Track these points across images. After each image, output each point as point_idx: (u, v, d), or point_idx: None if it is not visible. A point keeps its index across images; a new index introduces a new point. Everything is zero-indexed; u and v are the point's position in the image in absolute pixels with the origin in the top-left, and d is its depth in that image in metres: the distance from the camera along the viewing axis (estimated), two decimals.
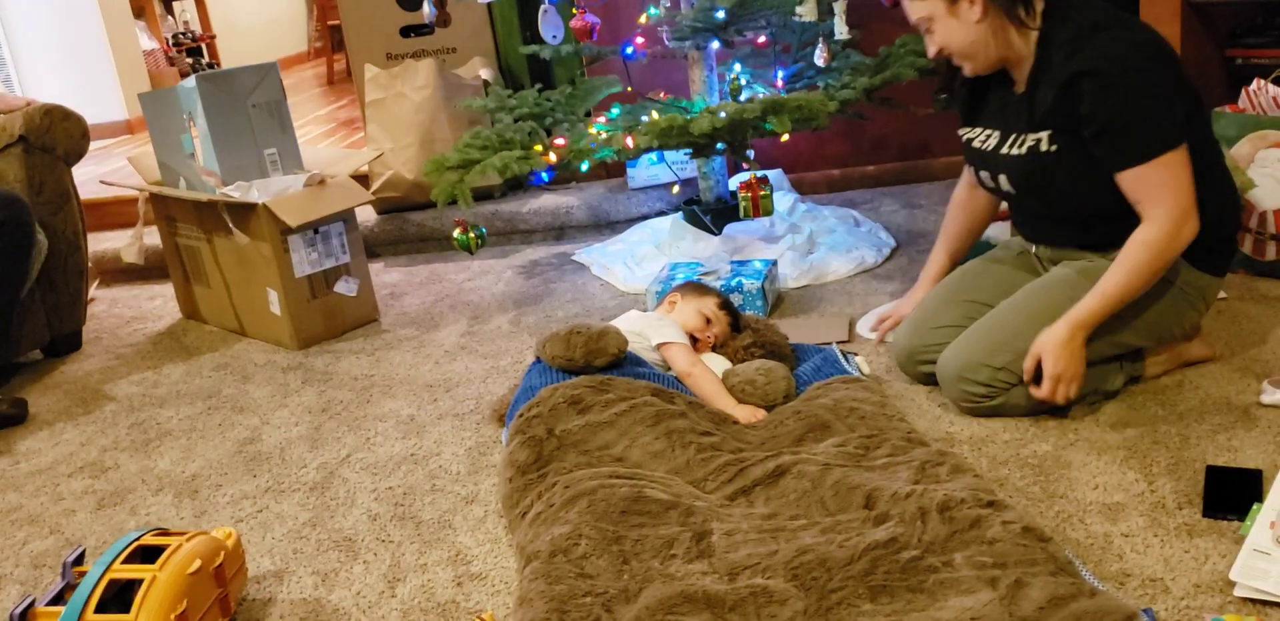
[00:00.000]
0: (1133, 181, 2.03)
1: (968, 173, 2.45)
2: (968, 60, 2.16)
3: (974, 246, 2.95)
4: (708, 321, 2.43)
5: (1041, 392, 2.07)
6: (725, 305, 2.47)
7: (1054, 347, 2.05)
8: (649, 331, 2.35)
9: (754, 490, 1.82)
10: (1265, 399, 2.11)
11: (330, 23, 6.84)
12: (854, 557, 1.56)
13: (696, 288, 2.54)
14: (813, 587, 1.52)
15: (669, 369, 2.31)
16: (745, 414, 2.16)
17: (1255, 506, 1.70)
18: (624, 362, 2.20)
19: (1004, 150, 2.20)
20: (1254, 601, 1.55)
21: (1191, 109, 2.07)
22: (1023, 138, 2.16)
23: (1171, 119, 2.01)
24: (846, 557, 1.56)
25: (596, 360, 2.16)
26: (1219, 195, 2.18)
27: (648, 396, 2.06)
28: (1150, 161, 2.00)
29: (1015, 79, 2.19)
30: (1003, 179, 2.22)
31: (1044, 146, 2.12)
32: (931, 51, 2.19)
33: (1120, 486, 1.89)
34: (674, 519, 1.71)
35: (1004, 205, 2.59)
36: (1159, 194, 2.01)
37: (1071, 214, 2.19)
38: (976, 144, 2.28)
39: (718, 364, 2.35)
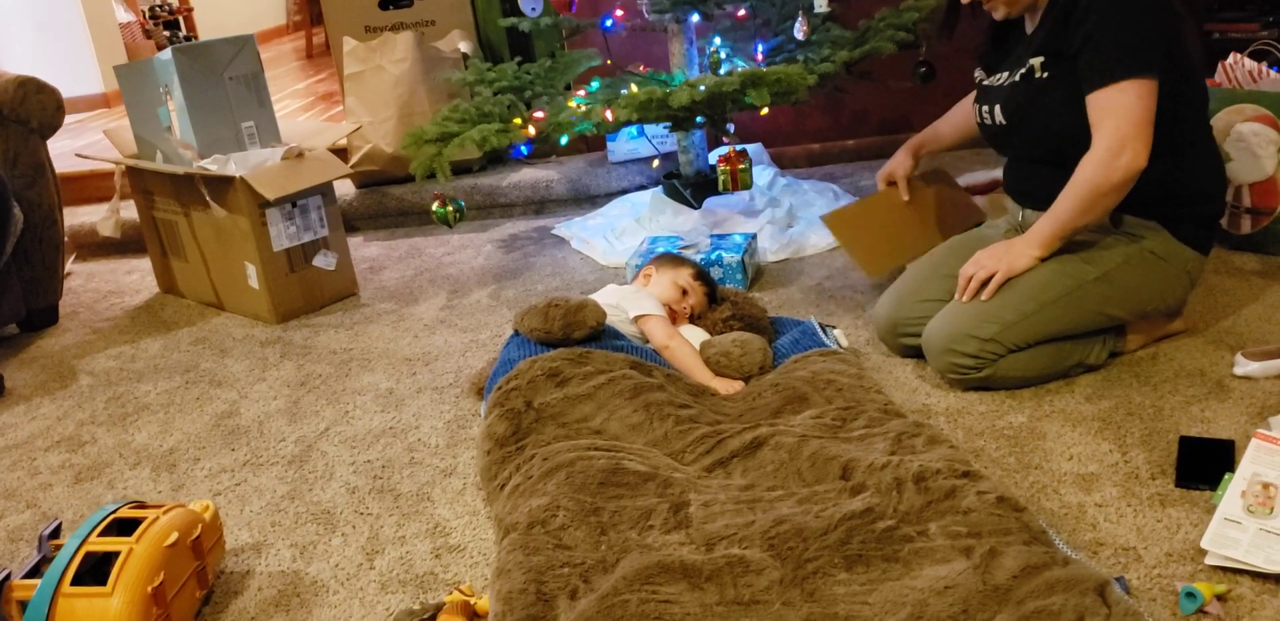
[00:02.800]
0: (1092, 105, 2.03)
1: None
2: (1005, 4, 2.17)
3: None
4: (684, 292, 2.43)
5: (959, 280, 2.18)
6: (700, 276, 2.48)
7: (993, 246, 2.14)
8: (626, 304, 2.35)
9: (731, 461, 1.83)
10: (1238, 370, 2.12)
11: None
12: (830, 527, 1.57)
13: (672, 259, 2.54)
14: (789, 557, 1.53)
15: (647, 341, 2.31)
16: (722, 385, 2.17)
17: (1226, 476, 1.71)
18: (602, 336, 2.20)
19: (1003, 82, 2.22)
20: (1225, 569, 1.57)
21: (1182, 64, 2.08)
22: (1020, 67, 2.17)
23: (1148, 48, 2.00)
24: (822, 527, 1.57)
25: (575, 332, 2.16)
26: (1207, 170, 2.19)
27: (626, 369, 2.06)
28: (1113, 84, 2.00)
29: (1031, 19, 2.20)
30: (997, 109, 2.23)
31: (1037, 73, 2.13)
32: None
33: (1094, 457, 1.90)
34: (652, 490, 1.72)
35: (989, 174, 2.61)
36: (1107, 118, 2.01)
37: (1055, 150, 2.15)
38: (987, 83, 2.30)
39: (695, 336, 2.35)
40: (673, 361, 2.24)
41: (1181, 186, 2.13)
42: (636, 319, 2.32)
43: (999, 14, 2.20)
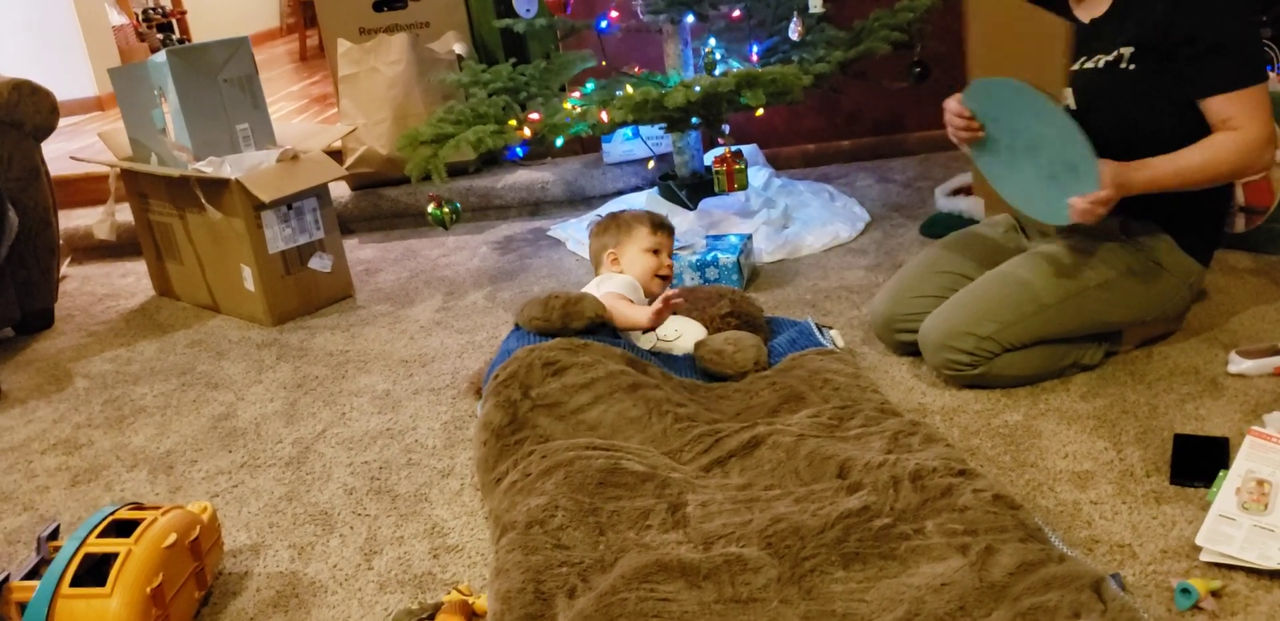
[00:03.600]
0: (1224, 104, 2.02)
1: None
2: None
3: (951, 223, 2.97)
4: (656, 252, 2.42)
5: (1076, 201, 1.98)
6: (657, 225, 2.45)
7: (1112, 177, 1.97)
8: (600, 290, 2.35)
9: (729, 461, 1.83)
10: (1232, 368, 2.13)
11: None
12: (827, 525, 1.58)
13: (618, 225, 2.47)
14: (786, 555, 1.54)
15: (646, 331, 2.31)
16: (651, 312, 2.20)
17: (1221, 473, 1.72)
18: (600, 330, 2.20)
19: (1077, 67, 2.15)
20: (1219, 566, 1.58)
21: None
22: (1105, 55, 2.12)
23: (1260, 49, 2.06)
24: (819, 525, 1.58)
25: (573, 322, 2.15)
26: None
27: (623, 365, 2.06)
28: (1247, 88, 2.01)
29: (1093, 7, 2.16)
30: (1068, 93, 2.15)
31: (1124, 64, 2.10)
32: None
33: (1090, 455, 1.91)
34: (650, 491, 1.72)
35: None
36: (1254, 115, 2.02)
37: (1119, 143, 2.06)
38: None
39: (693, 331, 2.35)
40: (614, 313, 2.23)
41: (1191, 196, 2.14)
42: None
43: None
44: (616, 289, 2.32)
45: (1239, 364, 2.12)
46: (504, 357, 2.13)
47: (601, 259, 2.48)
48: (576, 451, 1.80)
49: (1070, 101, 2.15)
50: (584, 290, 2.38)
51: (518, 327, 2.24)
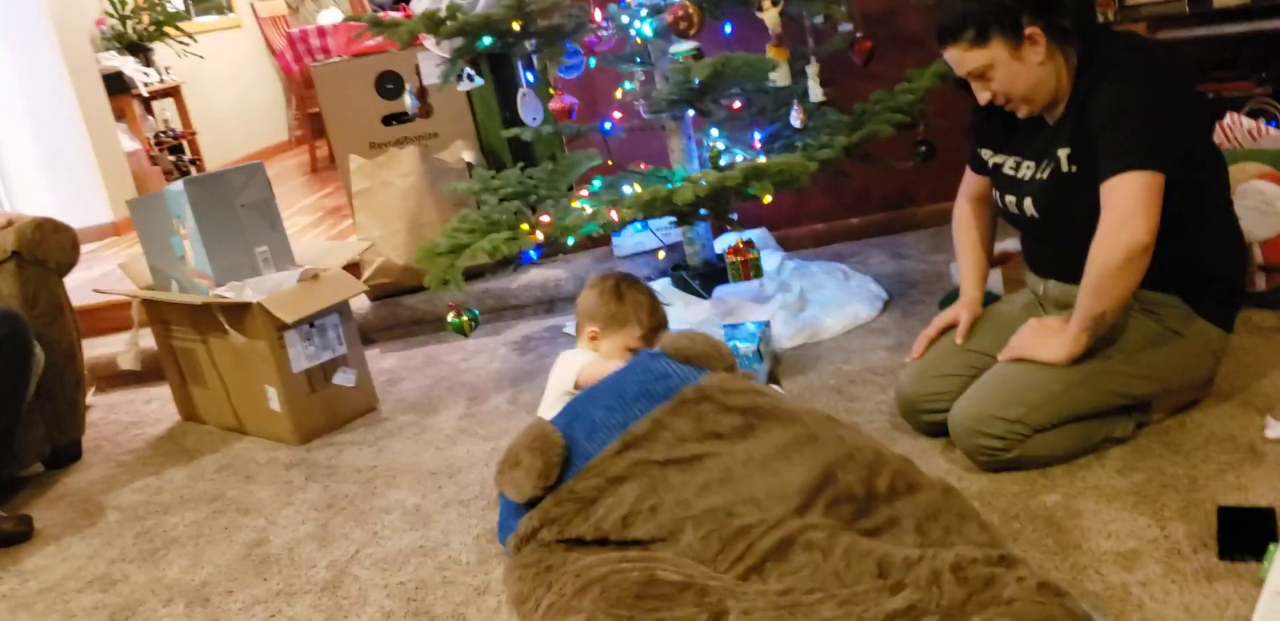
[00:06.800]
0: (1102, 193, 2.02)
1: (968, 186, 2.47)
2: (1026, 103, 2.16)
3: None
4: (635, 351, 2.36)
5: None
6: (653, 327, 2.40)
7: (1039, 327, 2.17)
8: (561, 385, 2.35)
9: (765, 566, 1.80)
10: (1270, 434, 2.10)
11: (310, 111, 6.91)
12: None
13: (617, 312, 2.40)
14: None
15: None
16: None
17: (1271, 546, 1.68)
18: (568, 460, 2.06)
19: (1034, 176, 2.21)
20: None
21: (1201, 157, 2.11)
22: (1048, 160, 2.17)
23: (1159, 143, 2.00)
24: None
25: (550, 481, 2.00)
26: (1228, 248, 2.21)
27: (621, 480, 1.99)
28: (1122, 173, 1.99)
29: (1052, 112, 2.20)
30: (1027, 202, 2.21)
31: (1064, 166, 2.13)
32: (984, 98, 2.17)
33: (1133, 533, 1.87)
34: (689, 599, 1.69)
35: (1000, 246, 2.61)
36: (1110, 202, 2.00)
37: (1087, 242, 2.10)
38: (1007, 171, 2.29)
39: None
40: (594, 374, 2.23)
41: (1202, 263, 2.14)
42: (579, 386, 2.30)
43: (1022, 114, 2.19)
44: (579, 363, 2.34)
45: (1276, 428, 2.09)
46: (510, 527, 2.05)
47: (583, 328, 2.45)
48: (610, 565, 1.78)
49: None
50: (552, 387, 2.39)
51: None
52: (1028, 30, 2.07)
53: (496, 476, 2.04)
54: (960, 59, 2.14)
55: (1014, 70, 2.11)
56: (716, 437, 1.98)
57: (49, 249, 3.01)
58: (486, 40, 3.00)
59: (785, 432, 1.97)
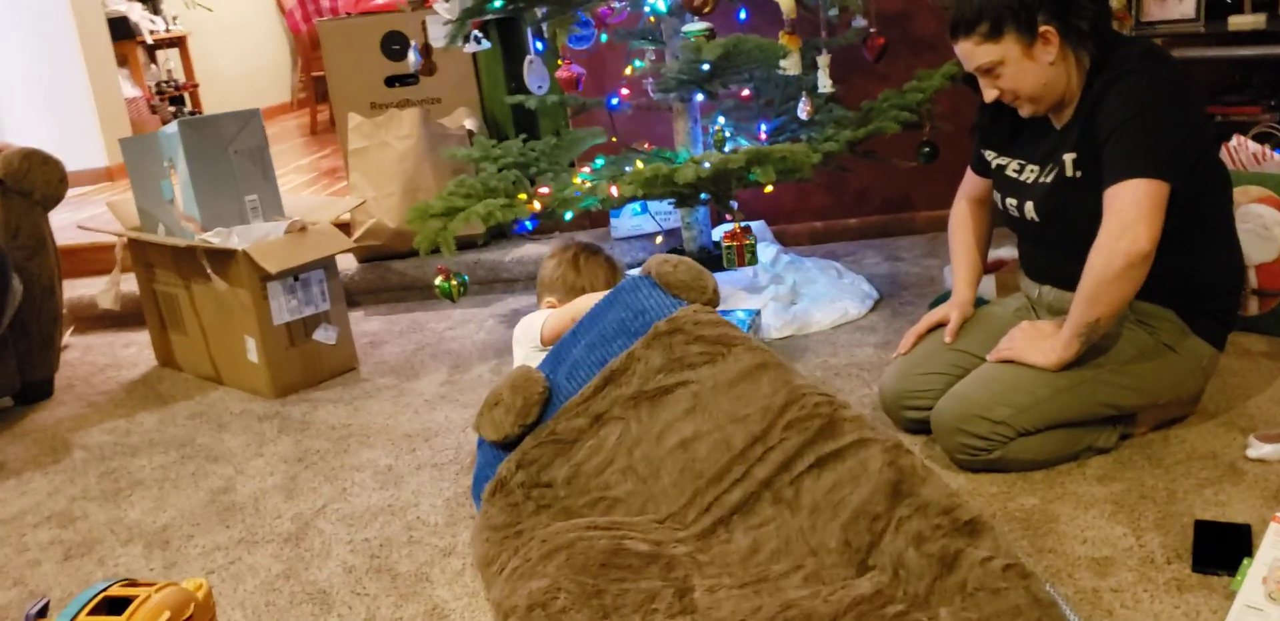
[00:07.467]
0: (1105, 200, 2.00)
1: (967, 187, 2.46)
2: (1033, 103, 2.14)
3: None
4: None
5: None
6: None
7: (1031, 330, 2.16)
8: (528, 340, 2.34)
9: (732, 519, 1.77)
10: (1251, 453, 2.09)
11: (314, 74, 6.86)
12: (839, 613, 1.52)
13: (575, 283, 2.44)
14: None
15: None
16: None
17: (1245, 561, 1.68)
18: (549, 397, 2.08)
19: (1038, 180, 2.19)
20: None
21: (1206, 172, 2.09)
22: (1053, 164, 2.15)
23: (1167, 154, 1.99)
24: (831, 613, 1.53)
25: (530, 419, 2.02)
26: (1227, 265, 2.19)
27: (594, 414, 1.98)
28: (1127, 181, 1.97)
29: (1059, 115, 2.18)
30: (1029, 206, 2.20)
31: (1069, 171, 2.11)
32: (990, 96, 2.15)
33: (1108, 540, 1.86)
34: (655, 573, 1.67)
35: (994, 254, 2.60)
36: (1113, 208, 1.98)
37: (1086, 248, 2.08)
38: (1010, 173, 2.27)
39: None
40: (556, 324, 2.24)
41: (1201, 278, 2.12)
42: (546, 343, 2.29)
43: (1026, 112, 2.17)
44: (541, 317, 2.35)
45: (1258, 448, 2.08)
46: (486, 472, 2.04)
47: (542, 298, 2.49)
48: (578, 532, 1.75)
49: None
50: (520, 344, 2.38)
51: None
52: (1042, 28, 2.05)
53: (476, 418, 2.06)
54: (971, 53, 2.12)
55: (1024, 68, 2.09)
56: (687, 367, 1.98)
57: (35, 180, 2.97)
58: (497, 3, 2.96)
59: (753, 357, 1.97)
